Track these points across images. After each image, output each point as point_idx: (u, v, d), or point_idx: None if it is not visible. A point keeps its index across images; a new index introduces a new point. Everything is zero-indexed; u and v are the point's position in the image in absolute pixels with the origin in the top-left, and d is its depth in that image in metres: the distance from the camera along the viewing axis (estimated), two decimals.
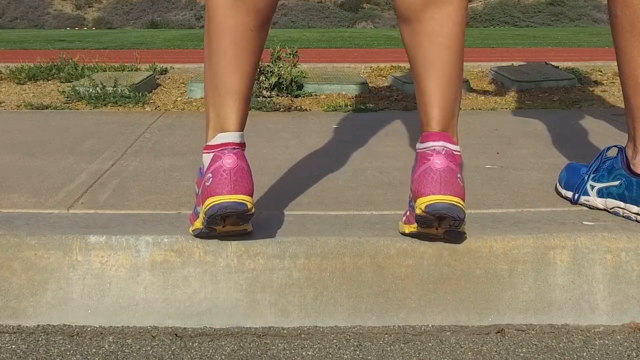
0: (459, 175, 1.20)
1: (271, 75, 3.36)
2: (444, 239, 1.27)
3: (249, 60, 1.26)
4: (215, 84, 1.25)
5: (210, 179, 1.19)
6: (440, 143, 1.21)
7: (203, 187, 1.21)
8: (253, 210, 1.20)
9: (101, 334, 1.23)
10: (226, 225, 1.23)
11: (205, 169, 1.23)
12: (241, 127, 1.25)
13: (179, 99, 3.40)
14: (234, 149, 1.21)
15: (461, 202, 1.18)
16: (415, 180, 1.22)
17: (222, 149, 1.21)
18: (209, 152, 1.24)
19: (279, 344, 1.19)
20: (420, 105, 1.27)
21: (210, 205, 1.17)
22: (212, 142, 1.24)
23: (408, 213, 1.30)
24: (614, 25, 1.39)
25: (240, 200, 1.17)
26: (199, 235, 1.27)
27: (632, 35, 1.34)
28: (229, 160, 1.19)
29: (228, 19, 1.23)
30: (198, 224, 1.25)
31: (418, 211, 1.19)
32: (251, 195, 1.20)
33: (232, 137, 1.23)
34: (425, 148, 1.23)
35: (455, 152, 1.22)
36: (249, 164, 1.23)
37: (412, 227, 1.26)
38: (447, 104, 1.24)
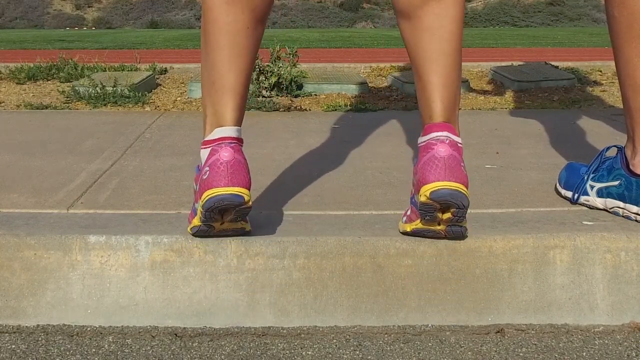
0: (462, 164, 1.21)
1: (271, 75, 3.36)
2: (445, 236, 1.27)
3: (245, 57, 1.27)
4: (212, 80, 1.27)
5: (208, 172, 1.20)
6: (444, 133, 1.22)
7: (200, 182, 1.22)
8: (250, 204, 1.21)
9: (101, 333, 1.23)
10: (224, 222, 1.23)
11: (202, 164, 1.24)
12: (238, 123, 1.26)
13: (179, 98, 3.40)
14: (231, 143, 1.22)
15: (465, 189, 1.19)
16: (419, 170, 1.22)
17: (219, 143, 1.22)
18: (206, 147, 1.24)
19: (279, 344, 1.19)
20: (422, 99, 1.28)
21: (208, 197, 1.18)
22: (209, 137, 1.25)
23: (409, 212, 1.30)
24: (611, 26, 1.39)
25: (237, 193, 1.18)
26: (197, 233, 1.26)
27: (630, 36, 1.34)
28: (225, 154, 1.20)
29: (224, 16, 1.25)
30: (196, 220, 1.25)
31: (422, 199, 1.19)
32: (248, 188, 1.20)
33: (228, 131, 1.24)
34: (428, 139, 1.23)
35: (458, 144, 1.23)
36: (246, 158, 1.23)
37: (414, 224, 1.26)
38: (449, 96, 1.25)
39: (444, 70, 1.25)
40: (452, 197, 1.17)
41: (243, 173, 1.20)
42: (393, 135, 2.36)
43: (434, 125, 1.24)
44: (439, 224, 1.24)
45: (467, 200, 1.19)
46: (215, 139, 1.23)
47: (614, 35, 1.38)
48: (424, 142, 1.24)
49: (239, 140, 1.25)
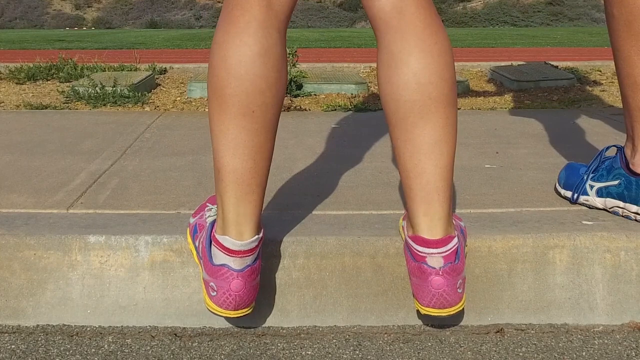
0: (459, 281, 1.13)
1: None
2: None
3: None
4: (217, 167, 1.14)
5: (215, 290, 1.13)
6: (438, 255, 1.12)
7: (207, 279, 1.15)
8: (252, 310, 1.18)
9: (100, 333, 1.23)
10: None
11: (210, 253, 1.15)
12: (254, 232, 1.14)
13: (178, 98, 3.40)
14: (244, 260, 1.12)
15: (460, 307, 1.14)
16: (411, 281, 1.16)
17: (228, 267, 1.12)
18: (216, 247, 1.13)
19: (279, 344, 1.19)
20: (411, 203, 1.16)
21: (215, 312, 1.15)
22: (218, 236, 1.13)
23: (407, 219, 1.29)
24: (610, 25, 1.39)
25: (243, 314, 1.15)
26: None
27: (629, 35, 1.34)
28: (234, 288, 1.11)
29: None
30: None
31: (417, 308, 1.17)
32: (253, 301, 1.16)
33: (239, 245, 1.12)
34: (420, 253, 1.13)
35: (452, 250, 1.13)
36: (259, 271, 1.15)
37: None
38: (447, 199, 1.15)
39: (439, 182, 1.14)
40: (444, 319, 1.22)
41: (250, 297, 1.14)
42: None
43: (427, 241, 1.13)
44: None
45: (462, 313, 1.24)
46: (225, 248, 1.12)
47: (613, 34, 1.39)
48: (415, 251, 1.14)
49: (253, 250, 1.13)
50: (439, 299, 1.11)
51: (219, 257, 1.12)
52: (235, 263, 1.11)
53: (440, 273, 1.11)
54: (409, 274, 1.16)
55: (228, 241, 1.11)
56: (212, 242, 1.14)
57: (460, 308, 1.14)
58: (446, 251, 1.12)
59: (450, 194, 1.15)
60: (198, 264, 1.22)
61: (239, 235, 1.12)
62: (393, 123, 1.15)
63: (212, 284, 1.13)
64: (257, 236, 1.14)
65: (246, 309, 1.15)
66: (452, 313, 1.13)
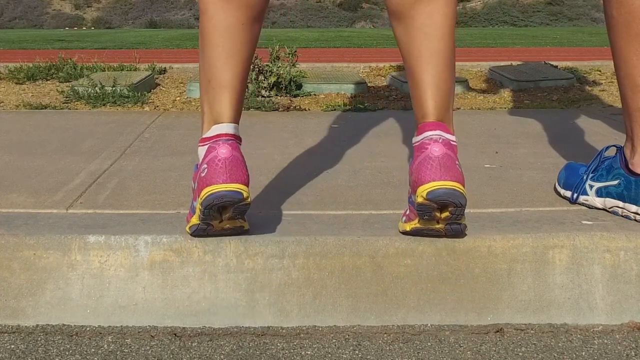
0: (457, 162, 1.21)
1: (270, 75, 3.36)
2: (445, 235, 1.27)
3: (241, 54, 1.28)
4: (208, 78, 1.28)
5: (206, 170, 1.20)
6: (437, 132, 1.23)
7: (199, 179, 1.22)
8: (249, 200, 1.21)
9: (100, 333, 1.23)
10: (223, 220, 1.23)
11: (200, 162, 1.24)
12: (235, 120, 1.27)
13: (178, 98, 3.40)
14: (228, 140, 1.23)
15: (461, 187, 1.19)
16: (414, 171, 1.22)
17: (216, 140, 1.22)
18: (203, 145, 1.25)
19: (278, 344, 1.19)
20: (415, 98, 1.28)
21: (207, 194, 1.18)
22: (206, 135, 1.26)
23: (408, 211, 1.30)
24: (609, 25, 1.39)
25: (237, 189, 1.18)
26: (196, 232, 1.26)
27: (628, 35, 1.34)
28: (223, 150, 1.20)
29: (219, 13, 1.26)
30: (194, 219, 1.25)
31: (419, 199, 1.19)
32: (247, 185, 1.21)
33: (225, 128, 1.24)
34: (422, 138, 1.24)
35: (452, 142, 1.23)
36: (243, 155, 1.24)
37: (413, 224, 1.26)
38: (442, 95, 1.26)
39: (436, 69, 1.25)
40: (448, 196, 1.17)
41: (241, 169, 1.20)
42: (392, 135, 2.36)
43: (427, 124, 1.24)
44: (438, 223, 1.24)
45: (464, 198, 1.19)
46: (212, 136, 1.24)
47: (613, 34, 1.39)
48: (418, 141, 1.25)
49: (236, 138, 1.25)
50: (440, 169, 1.18)
51: (205, 148, 1.24)
52: (220, 141, 1.22)
53: (440, 141, 1.21)
54: (411, 174, 1.23)
55: (214, 129, 1.24)
56: (199, 145, 1.26)
57: (462, 189, 1.18)
58: (445, 133, 1.23)
59: (453, 93, 1.29)
60: (197, 207, 1.24)
61: (222, 122, 1.25)
62: (402, 11, 1.27)
63: (202, 167, 1.21)
64: (237, 124, 1.27)
65: (239, 185, 1.18)
66: (455, 188, 1.17)
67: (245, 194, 1.19)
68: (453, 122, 1.28)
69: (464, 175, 1.22)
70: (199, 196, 1.20)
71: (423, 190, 1.18)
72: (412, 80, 1.29)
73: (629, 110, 1.40)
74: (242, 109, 1.30)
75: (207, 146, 1.24)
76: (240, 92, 1.28)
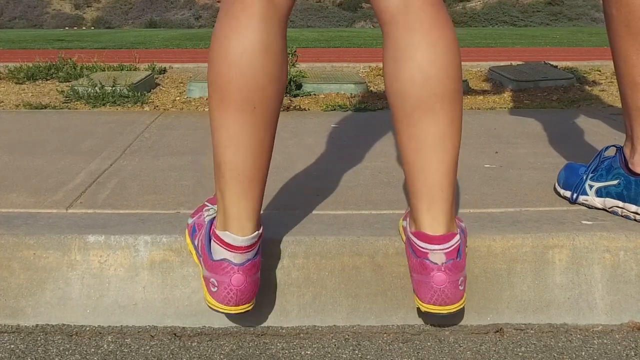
0: (460, 279, 1.13)
1: None
2: None
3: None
4: (217, 162, 1.14)
5: (216, 287, 1.13)
6: (441, 251, 1.12)
7: (209, 289, 1.15)
8: (252, 307, 1.17)
9: (100, 333, 1.23)
10: None
11: (209, 249, 1.15)
12: (254, 228, 1.14)
13: (178, 98, 3.40)
14: (243, 262, 1.12)
15: (461, 305, 1.14)
16: (412, 278, 1.16)
17: (226, 261, 1.12)
18: (216, 243, 1.14)
19: (278, 344, 1.19)
20: (413, 199, 1.17)
21: (216, 309, 1.14)
22: (219, 232, 1.14)
23: (408, 218, 1.29)
24: (609, 25, 1.39)
25: (244, 310, 1.15)
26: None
27: (628, 34, 1.34)
28: (235, 282, 1.11)
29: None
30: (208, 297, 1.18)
31: (417, 304, 1.17)
32: (254, 296, 1.16)
33: (240, 241, 1.12)
34: (422, 258, 1.13)
35: (454, 247, 1.13)
36: (259, 266, 1.15)
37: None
38: (450, 200, 1.15)
39: (444, 176, 1.14)
40: (445, 317, 1.16)
41: (252, 292, 1.14)
42: (392, 135, 2.36)
43: (430, 237, 1.13)
44: None
45: (462, 311, 1.21)
46: (225, 243, 1.12)
47: (612, 33, 1.39)
48: (416, 253, 1.14)
49: (254, 245, 1.13)
50: (440, 295, 1.12)
51: (219, 253, 1.13)
52: (235, 258, 1.12)
53: (442, 269, 1.11)
54: (410, 270, 1.16)
55: (229, 237, 1.12)
56: (212, 238, 1.14)
57: (461, 306, 1.14)
58: (448, 248, 1.12)
59: (453, 191, 1.15)
60: (198, 263, 1.22)
61: (240, 231, 1.12)
62: (398, 118, 1.15)
63: (212, 279, 1.13)
64: (257, 232, 1.14)
65: (247, 305, 1.14)
66: (452, 311, 1.13)
67: (250, 308, 1.16)
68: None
69: (465, 290, 1.16)
70: (208, 296, 1.15)
71: (421, 306, 1.15)
72: (412, 187, 1.17)
73: (629, 109, 1.40)
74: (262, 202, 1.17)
75: (219, 248, 1.13)
76: (263, 186, 1.15)
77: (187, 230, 1.28)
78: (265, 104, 1.10)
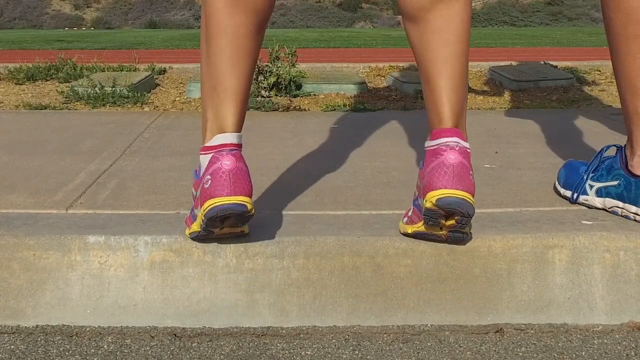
0: (471, 172, 1.20)
1: (270, 75, 3.36)
2: (446, 241, 1.27)
3: (248, 60, 1.25)
4: (213, 84, 1.25)
5: (209, 181, 1.18)
6: (454, 139, 1.21)
7: (201, 189, 1.21)
8: (253, 212, 1.20)
9: (100, 334, 1.23)
10: (224, 227, 1.23)
11: (202, 171, 1.23)
12: (239, 128, 1.25)
13: (178, 98, 3.40)
14: (232, 150, 1.21)
15: (472, 198, 1.18)
16: (426, 175, 1.21)
17: (220, 150, 1.20)
18: (206, 154, 1.23)
19: (278, 344, 1.19)
20: (430, 103, 1.26)
21: (210, 207, 1.17)
22: (209, 143, 1.23)
23: (410, 213, 1.29)
24: (607, 27, 1.39)
25: (240, 202, 1.17)
26: (196, 238, 1.26)
27: (625, 37, 1.34)
28: (227, 162, 1.18)
29: (226, 19, 1.23)
30: (195, 226, 1.24)
31: (428, 204, 1.18)
32: (250, 196, 1.20)
33: (230, 138, 1.22)
34: (438, 144, 1.21)
35: (467, 150, 1.22)
36: (246, 164, 1.22)
37: (416, 227, 1.26)
38: (458, 100, 1.24)
39: (452, 73, 1.24)
40: (458, 205, 1.16)
41: (245, 181, 1.19)
42: (392, 135, 2.36)
43: (444, 130, 1.22)
44: (441, 229, 1.23)
45: (473, 209, 1.18)
46: (216, 145, 1.21)
47: (610, 36, 1.39)
48: (433, 146, 1.22)
49: (239, 147, 1.23)
50: (453, 175, 1.17)
51: (208, 158, 1.21)
52: (225, 151, 1.20)
53: (456, 149, 1.19)
54: (423, 175, 1.22)
55: (218, 138, 1.21)
56: (200, 153, 1.24)
57: (472, 200, 1.17)
58: (462, 140, 1.21)
59: (466, 98, 1.27)
60: (199, 219, 1.23)
61: (229, 128, 1.23)
62: (418, 16, 1.25)
63: (206, 178, 1.19)
64: (240, 133, 1.24)
65: (243, 197, 1.17)
66: (465, 198, 1.16)
67: (249, 206, 1.18)
68: (466, 128, 1.26)
69: (475, 185, 1.21)
70: (201, 206, 1.20)
71: (433, 196, 1.17)
72: (427, 85, 1.27)
73: (628, 113, 1.40)
74: (245, 115, 1.28)
75: (210, 155, 1.21)
76: (245, 99, 1.26)
77: (185, 220, 1.32)
78: (258, 26, 1.25)
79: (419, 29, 1.26)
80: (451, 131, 1.21)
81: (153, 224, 1.37)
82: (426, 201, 1.19)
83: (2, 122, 2.68)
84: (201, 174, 1.23)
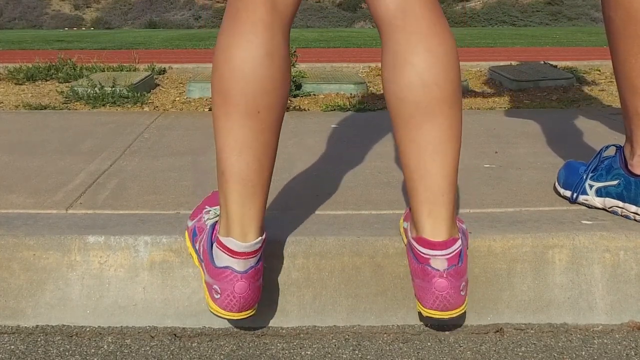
0: (462, 284, 1.12)
1: None
2: None
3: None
4: (221, 169, 1.13)
5: (219, 295, 1.12)
6: (442, 257, 1.11)
7: (212, 296, 1.14)
8: (255, 312, 1.17)
9: (100, 334, 1.23)
10: None
11: (213, 256, 1.14)
12: (257, 234, 1.13)
13: (178, 98, 3.40)
14: (247, 269, 1.11)
15: (462, 310, 1.14)
16: (414, 283, 1.15)
17: (229, 267, 1.11)
18: (220, 249, 1.13)
19: (278, 344, 1.19)
20: (414, 204, 1.15)
21: (220, 316, 1.14)
22: (222, 238, 1.13)
23: (409, 211, 1.29)
24: (607, 27, 1.39)
25: (247, 315, 1.15)
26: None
27: (625, 36, 1.34)
28: (238, 290, 1.11)
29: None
30: (211, 302, 1.17)
31: (419, 309, 1.16)
32: (257, 302, 1.16)
33: (243, 247, 1.11)
34: (423, 255, 1.12)
35: (456, 252, 1.12)
36: (262, 271, 1.15)
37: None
38: (452, 201, 1.14)
39: (445, 177, 1.13)
40: (449, 321, 1.18)
41: (254, 299, 1.13)
42: (392, 136, 2.36)
43: (430, 242, 1.12)
44: None
45: (464, 316, 1.21)
46: (228, 249, 1.12)
47: (610, 36, 1.38)
48: (418, 259, 1.13)
49: (257, 251, 1.13)
50: (442, 301, 1.11)
51: (222, 259, 1.12)
52: (239, 265, 1.11)
53: (444, 275, 1.11)
54: (412, 275, 1.16)
55: (232, 243, 1.11)
56: (215, 244, 1.14)
57: (463, 310, 1.14)
58: (450, 253, 1.12)
59: (454, 196, 1.15)
60: (199, 267, 1.22)
61: (243, 237, 1.12)
62: (398, 123, 1.15)
63: (215, 286, 1.12)
64: (260, 237, 1.13)
65: (250, 311, 1.14)
66: (454, 316, 1.13)
67: (253, 313, 1.15)
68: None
69: (467, 295, 1.16)
70: (211, 302, 1.15)
71: (423, 311, 1.14)
72: (412, 192, 1.15)
73: (628, 113, 1.40)
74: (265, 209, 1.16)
75: (221, 252, 1.12)
76: (266, 194, 1.14)
77: (186, 233, 1.28)
78: (269, 109, 1.10)
79: (408, 138, 1.15)
80: (440, 245, 1.12)
81: (153, 224, 1.37)
82: (417, 307, 1.16)
83: (2, 122, 2.68)
84: (210, 258, 1.14)
